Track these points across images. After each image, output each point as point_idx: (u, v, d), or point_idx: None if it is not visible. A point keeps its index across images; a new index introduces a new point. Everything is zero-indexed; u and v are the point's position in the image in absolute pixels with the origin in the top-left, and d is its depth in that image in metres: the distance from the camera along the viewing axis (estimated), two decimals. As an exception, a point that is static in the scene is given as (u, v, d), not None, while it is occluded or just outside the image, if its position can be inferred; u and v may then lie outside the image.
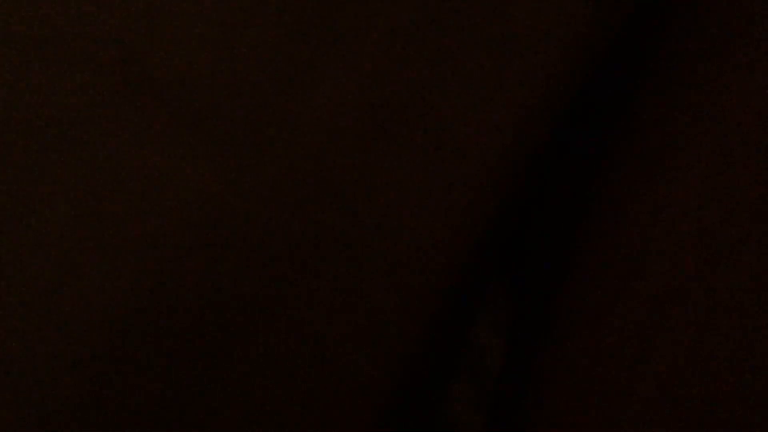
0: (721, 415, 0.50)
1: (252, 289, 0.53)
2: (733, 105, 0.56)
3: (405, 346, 0.55)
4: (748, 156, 0.54)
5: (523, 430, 0.59)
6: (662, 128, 0.58)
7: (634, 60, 0.62)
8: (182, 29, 0.54)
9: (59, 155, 0.53)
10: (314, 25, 0.55)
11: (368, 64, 0.55)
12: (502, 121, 0.57)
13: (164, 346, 0.52)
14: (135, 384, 0.52)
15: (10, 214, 0.52)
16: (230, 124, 0.54)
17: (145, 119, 0.54)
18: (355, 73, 0.55)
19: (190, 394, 0.52)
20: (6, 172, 0.53)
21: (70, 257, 0.52)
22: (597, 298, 0.57)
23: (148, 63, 0.54)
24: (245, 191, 0.54)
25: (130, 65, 0.54)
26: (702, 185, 0.55)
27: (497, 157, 0.57)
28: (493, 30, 0.56)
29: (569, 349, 0.57)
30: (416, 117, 0.56)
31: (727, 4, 0.58)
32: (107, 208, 0.53)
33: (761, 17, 0.57)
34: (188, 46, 0.54)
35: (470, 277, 0.58)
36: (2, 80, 0.53)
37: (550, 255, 0.63)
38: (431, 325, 0.56)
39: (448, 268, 0.56)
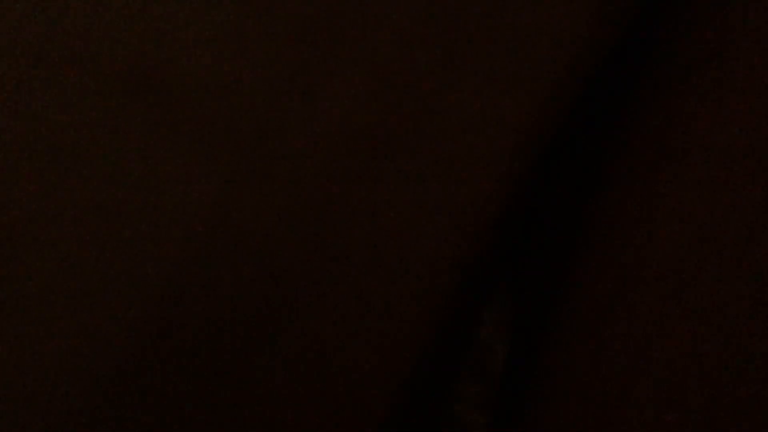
0: (719, 416, 0.51)
1: (258, 295, 0.53)
2: (734, 107, 0.56)
3: (409, 346, 0.55)
4: (748, 159, 0.54)
5: (526, 429, 0.59)
6: (661, 131, 0.58)
7: (635, 62, 0.62)
8: (188, 38, 0.54)
9: (66, 162, 0.53)
10: (319, 32, 0.55)
11: (372, 70, 0.55)
12: (506, 125, 0.57)
13: (172, 354, 0.52)
14: (143, 391, 0.52)
15: (18, 222, 0.52)
16: (236, 132, 0.54)
17: (151, 127, 0.54)
18: (359, 79, 0.55)
19: (198, 400, 0.53)
20: (13, 180, 0.53)
21: (78, 264, 0.52)
22: (598, 300, 0.57)
23: (154, 71, 0.54)
24: (252, 199, 0.54)
25: (137, 73, 0.54)
26: (702, 188, 0.55)
27: (501, 159, 0.57)
28: (495, 36, 0.56)
29: (571, 349, 0.57)
30: (420, 121, 0.56)
31: (726, 7, 0.58)
32: (114, 215, 0.53)
33: (760, 20, 0.57)
34: (194, 55, 0.54)
35: (474, 278, 0.58)
36: (9, 87, 0.53)
37: (553, 256, 0.63)
38: (436, 325, 0.56)
39: (453, 269, 0.56)
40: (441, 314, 0.56)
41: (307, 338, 0.54)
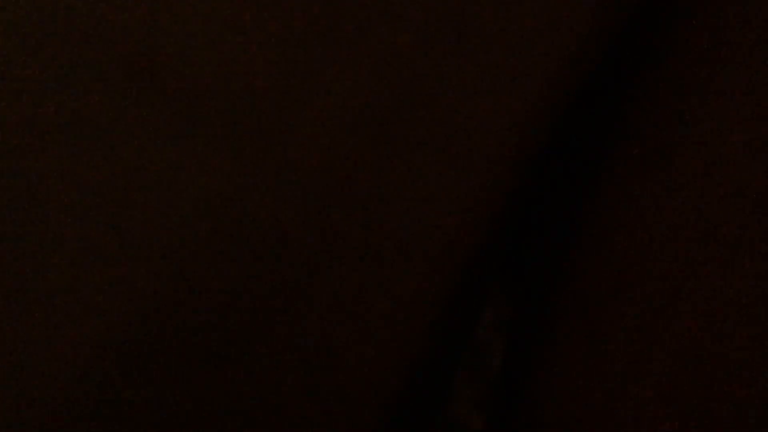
0: (719, 416, 0.51)
1: (259, 288, 0.54)
2: (731, 107, 0.56)
3: (407, 345, 0.56)
4: (748, 157, 0.54)
5: (524, 430, 0.59)
6: (661, 129, 0.58)
7: (633, 60, 0.62)
8: (191, 26, 0.54)
9: (66, 150, 0.53)
10: (321, 23, 0.55)
11: (373, 63, 0.55)
12: (504, 122, 0.57)
13: (170, 346, 0.52)
14: (141, 384, 0.52)
15: (16, 211, 0.52)
16: (238, 121, 0.54)
17: (153, 115, 0.53)
18: (360, 72, 0.55)
19: (194, 395, 0.53)
20: (13, 168, 0.53)
21: (78, 253, 0.52)
22: (595, 299, 0.57)
23: (157, 59, 0.54)
24: (253, 189, 0.54)
25: (139, 61, 0.54)
26: (701, 187, 0.55)
27: (499, 157, 0.57)
28: (494, 32, 0.57)
29: (568, 349, 0.57)
30: (420, 117, 0.56)
31: (725, 4, 0.59)
32: (114, 204, 0.53)
33: (756, 20, 0.57)
34: (197, 43, 0.54)
35: (471, 278, 0.58)
36: (9, 75, 0.53)
37: (550, 255, 0.63)
38: (433, 325, 0.56)
39: (450, 268, 0.56)
40: (438, 314, 0.56)
41: (304, 336, 0.54)
